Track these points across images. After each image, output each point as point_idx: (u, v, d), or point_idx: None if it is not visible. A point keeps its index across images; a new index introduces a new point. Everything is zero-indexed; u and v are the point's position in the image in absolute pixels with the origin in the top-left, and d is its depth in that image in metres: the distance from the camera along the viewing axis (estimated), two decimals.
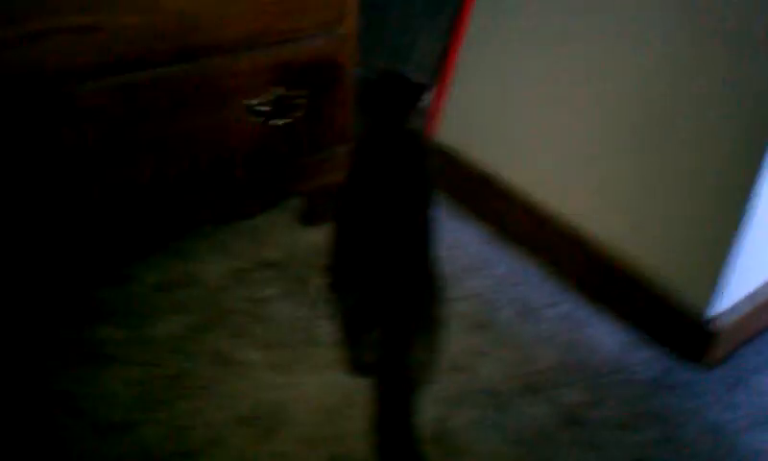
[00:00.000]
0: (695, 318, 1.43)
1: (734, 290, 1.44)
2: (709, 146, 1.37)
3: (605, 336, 1.52)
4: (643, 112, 1.44)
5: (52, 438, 1.25)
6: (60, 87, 1.23)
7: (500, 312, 1.55)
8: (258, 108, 1.44)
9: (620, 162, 1.50)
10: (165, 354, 1.40)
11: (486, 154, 1.75)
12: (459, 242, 1.73)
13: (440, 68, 1.71)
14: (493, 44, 1.66)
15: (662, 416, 1.37)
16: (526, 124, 1.65)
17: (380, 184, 1.23)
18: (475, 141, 1.77)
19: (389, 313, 1.13)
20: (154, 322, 1.46)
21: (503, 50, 1.65)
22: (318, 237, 1.34)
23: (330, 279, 1.26)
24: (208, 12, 1.31)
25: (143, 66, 1.30)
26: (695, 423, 1.36)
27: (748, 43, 1.29)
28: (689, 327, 1.45)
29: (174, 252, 1.61)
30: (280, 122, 1.47)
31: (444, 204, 1.80)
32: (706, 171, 1.39)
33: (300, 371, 1.38)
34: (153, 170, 1.40)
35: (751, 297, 1.49)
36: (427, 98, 1.27)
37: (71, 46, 1.20)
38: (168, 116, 1.36)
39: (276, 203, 1.65)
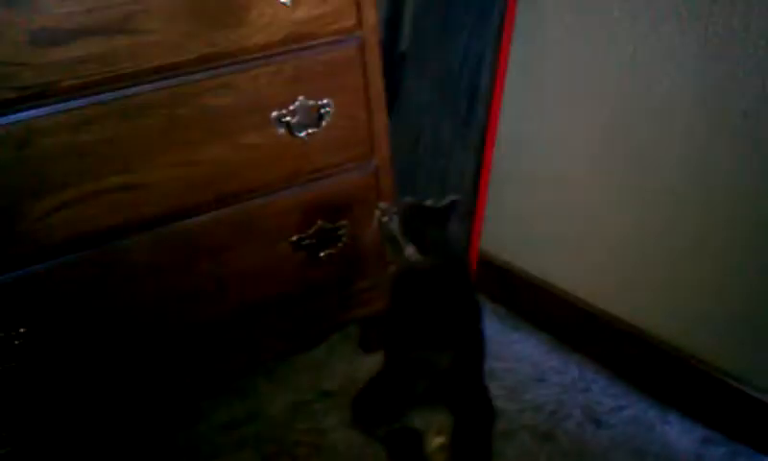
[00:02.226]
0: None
1: None
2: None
3: (678, 436, 1.46)
4: (704, 212, 1.41)
5: None
6: (109, 243, 1.31)
7: (567, 421, 1.52)
8: (301, 242, 1.50)
9: (679, 260, 1.47)
10: None
11: (537, 260, 1.77)
12: (519, 353, 1.71)
13: (477, 185, 1.76)
14: (530, 147, 1.70)
15: None
16: (578, 226, 1.65)
17: (424, 307, 1.26)
18: (525, 249, 1.80)
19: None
20: (221, 459, 1.50)
21: (541, 152, 1.69)
22: (376, 363, 1.37)
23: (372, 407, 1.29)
24: (243, 159, 1.39)
25: (186, 215, 1.37)
26: None
27: None
28: (762, 418, 1.38)
29: (235, 390, 1.66)
30: (324, 254, 1.53)
31: (499, 316, 1.82)
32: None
33: None
34: (206, 313, 1.46)
35: None
36: (455, 219, 1.31)
37: (115, 205, 1.29)
38: (215, 259, 1.43)
39: (328, 333, 1.70)
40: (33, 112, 1.19)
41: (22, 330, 1.27)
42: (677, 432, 1.47)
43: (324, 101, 1.43)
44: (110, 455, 1.53)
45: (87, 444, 1.47)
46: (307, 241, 1.51)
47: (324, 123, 1.44)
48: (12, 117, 1.17)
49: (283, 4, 1.33)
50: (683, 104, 1.36)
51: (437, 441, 1.20)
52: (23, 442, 1.36)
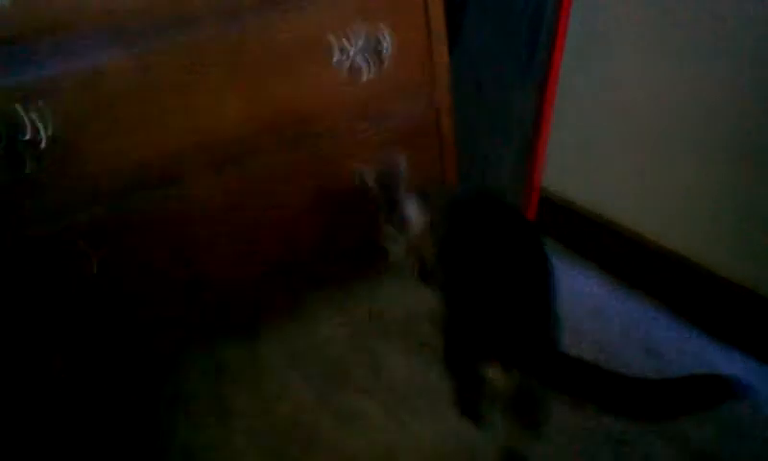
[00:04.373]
0: None
1: None
2: None
3: (738, 372, 1.44)
4: (756, 148, 1.39)
5: None
6: (177, 182, 1.35)
7: (626, 356, 1.52)
8: (365, 179, 1.53)
9: (744, 196, 1.44)
10: (293, 413, 1.48)
11: (597, 198, 1.76)
12: (579, 290, 1.72)
13: (537, 121, 1.76)
14: (596, 87, 1.68)
15: None
16: (640, 163, 1.64)
17: (486, 242, 1.26)
18: (586, 186, 1.79)
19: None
20: (280, 381, 1.55)
21: (606, 93, 1.66)
22: (432, 294, 1.39)
23: (444, 335, 1.31)
24: (305, 96, 1.42)
25: (252, 154, 1.41)
26: None
27: None
28: None
29: (300, 317, 1.71)
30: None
31: (559, 253, 1.82)
32: None
33: (419, 422, 1.42)
34: (271, 247, 1.52)
35: None
36: None
37: (182, 145, 1.33)
38: (280, 198, 1.48)
39: (386, 265, 1.72)
40: (100, 54, 1.21)
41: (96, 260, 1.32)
42: (738, 369, 1.45)
43: (386, 38, 1.44)
44: (174, 375, 1.61)
45: (153, 367, 1.55)
46: (369, 176, 1.52)
47: (385, 60, 1.45)
48: (81, 58, 1.20)
49: None
50: (754, 36, 1.33)
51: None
52: (89, 369, 1.44)
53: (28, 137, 1.17)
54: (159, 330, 1.48)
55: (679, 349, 1.52)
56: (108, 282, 1.35)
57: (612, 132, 1.67)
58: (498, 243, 1.23)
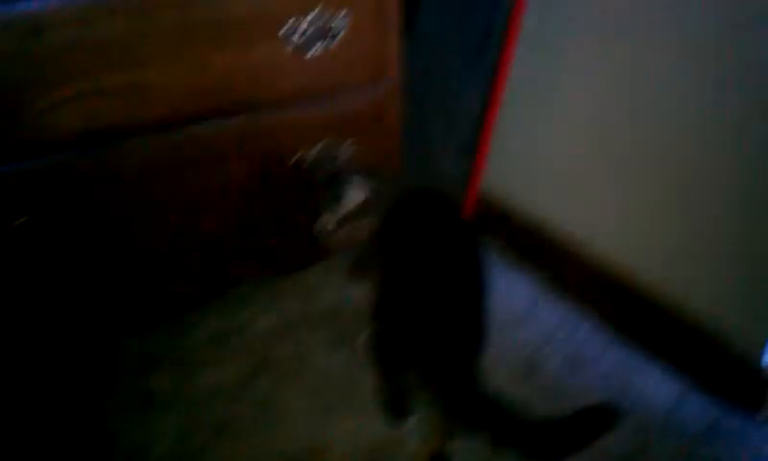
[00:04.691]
0: (750, 365, 1.40)
1: None
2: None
3: (655, 385, 1.50)
4: (692, 163, 1.42)
5: None
6: (113, 143, 1.30)
7: (547, 362, 1.55)
8: (303, 161, 1.49)
9: (675, 212, 1.48)
10: (213, 401, 1.45)
11: (536, 202, 1.76)
12: (510, 291, 1.73)
13: (484, 117, 1.75)
14: (543, 89, 1.67)
15: None
16: (576, 171, 1.65)
17: (420, 239, 1.25)
18: (525, 190, 1.79)
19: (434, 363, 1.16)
20: (204, 370, 1.52)
21: (553, 95, 1.66)
22: (365, 291, 1.38)
23: (375, 332, 1.31)
24: (251, 68, 1.37)
25: (191, 121, 1.36)
26: None
27: None
28: (744, 375, 1.42)
29: (226, 304, 1.67)
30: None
31: (493, 253, 1.83)
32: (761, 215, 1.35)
33: (340, 416, 1.42)
34: (203, 223, 1.46)
35: None
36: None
37: (121, 104, 1.27)
38: (217, 170, 1.42)
39: (325, 256, 1.70)
40: (40, 3, 1.15)
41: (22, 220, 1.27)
42: (656, 382, 1.50)
43: (337, 17, 1.40)
44: (91, 356, 1.56)
45: (69, 342, 1.49)
46: (310, 160, 1.50)
47: (335, 40, 1.41)
48: (20, 7, 1.14)
49: None
50: (698, 44, 1.35)
51: None
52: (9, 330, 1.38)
53: None
54: (83, 307, 1.43)
55: (600, 359, 1.56)
56: (35, 243, 1.30)
57: (555, 138, 1.68)
58: (432, 246, 1.23)
